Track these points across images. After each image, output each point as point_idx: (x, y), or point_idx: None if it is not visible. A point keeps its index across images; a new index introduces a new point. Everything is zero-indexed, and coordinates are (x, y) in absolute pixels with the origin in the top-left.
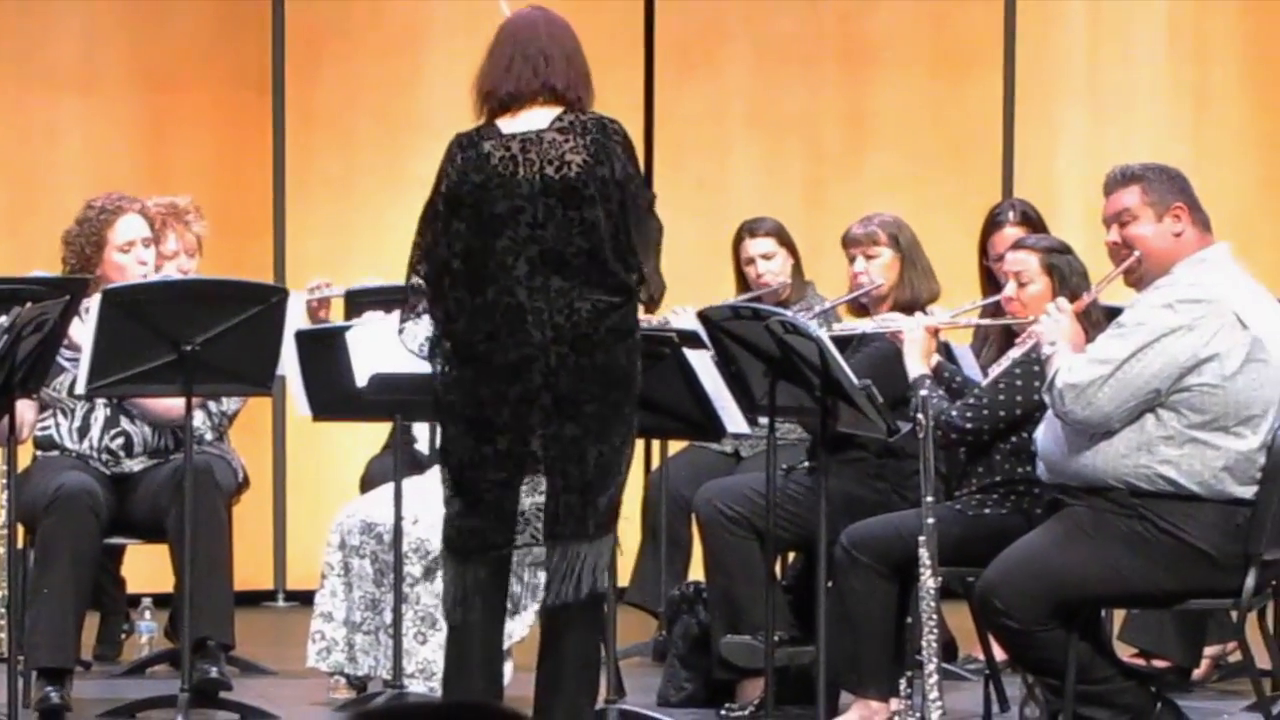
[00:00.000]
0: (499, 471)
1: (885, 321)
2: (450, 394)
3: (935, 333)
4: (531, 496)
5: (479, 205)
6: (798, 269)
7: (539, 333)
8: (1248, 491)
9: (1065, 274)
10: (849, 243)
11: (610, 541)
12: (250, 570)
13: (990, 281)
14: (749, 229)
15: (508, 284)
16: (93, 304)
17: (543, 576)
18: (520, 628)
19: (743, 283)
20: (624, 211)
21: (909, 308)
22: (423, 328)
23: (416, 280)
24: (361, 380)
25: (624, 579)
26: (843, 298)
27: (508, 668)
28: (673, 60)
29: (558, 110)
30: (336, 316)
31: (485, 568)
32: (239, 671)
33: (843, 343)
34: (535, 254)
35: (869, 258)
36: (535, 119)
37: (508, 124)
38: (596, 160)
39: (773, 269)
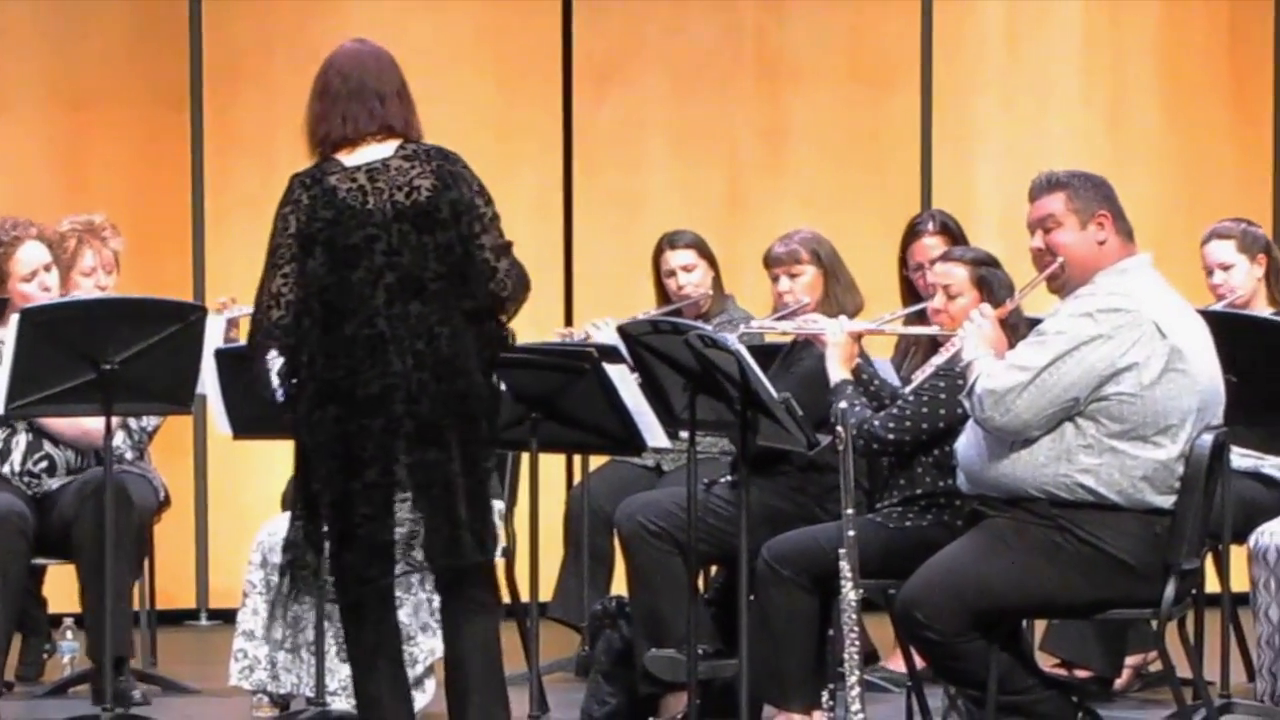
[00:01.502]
0: (368, 505)
1: (808, 323)
2: (316, 435)
3: (857, 338)
4: (405, 525)
5: (332, 240)
6: (718, 281)
7: (400, 361)
8: (1167, 501)
9: (994, 287)
10: (771, 262)
11: (489, 559)
12: (173, 589)
13: (910, 291)
14: (669, 241)
15: (367, 315)
16: (9, 325)
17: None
18: (440, 645)
19: (663, 295)
20: (472, 236)
21: None
22: (274, 369)
23: (270, 324)
24: (282, 397)
25: (546, 594)
26: (768, 317)
27: (429, 685)
28: (591, 75)
29: (398, 141)
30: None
31: (365, 602)
32: (161, 690)
33: (765, 359)
34: (393, 281)
35: (792, 276)
36: (379, 150)
37: (350, 158)
38: (444, 185)
39: (693, 281)
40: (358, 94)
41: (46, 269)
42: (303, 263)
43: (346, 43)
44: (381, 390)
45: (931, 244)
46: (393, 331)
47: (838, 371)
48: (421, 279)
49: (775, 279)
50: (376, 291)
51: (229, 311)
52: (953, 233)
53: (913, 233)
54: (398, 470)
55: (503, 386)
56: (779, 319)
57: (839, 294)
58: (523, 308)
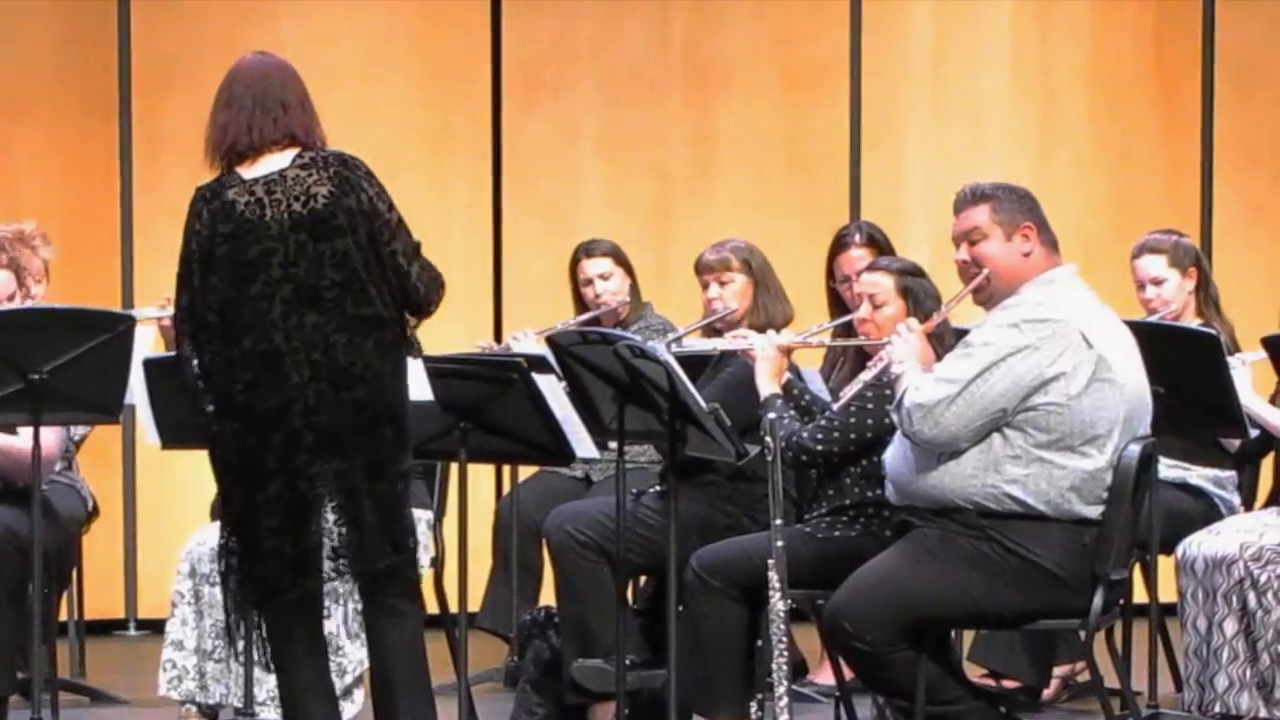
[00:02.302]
0: (272, 518)
1: (737, 338)
2: (219, 447)
3: (787, 352)
4: (330, 535)
5: (231, 255)
6: (635, 289)
7: (296, 374)
8: (1094, 511)
9: (919, 296)
10: (702, 269)
11: (405, 565)
12: (102, 599)
13: (838, 303)
14: (585, 250)
15: (264, 330)
16: None
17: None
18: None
19: (581, 304)
20: (374, 243)
21: (763, 332)
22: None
23: (181, 338)
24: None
25: (475, 604)
26: (697, 323)
27: (358, 695)
28: (520, 84)
29: (297, 150)
30: None
31: (283, 612)
32: (90, 701)
33: (695, 366)
34: (289, 293)
35: (722, 283)
36: (276, 161)
37: (249, 171)
38: (342, 191)
39: (610, 289)
40: (262, 103)
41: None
42: (204, 278)
43: (248, 55)
44: (280, 404)
45: (859, 255)
46: (289, 344)
47: (767, 385)
48: (318, 288)
49: (705, 285)
50: (273, 305)
51: (170, 308)
52: (879, 244)
53: (840, 244)
54: (300, 483)
55: (430, 396)
56: (705, 328)
57: (768, 303)
58: (454, 317)
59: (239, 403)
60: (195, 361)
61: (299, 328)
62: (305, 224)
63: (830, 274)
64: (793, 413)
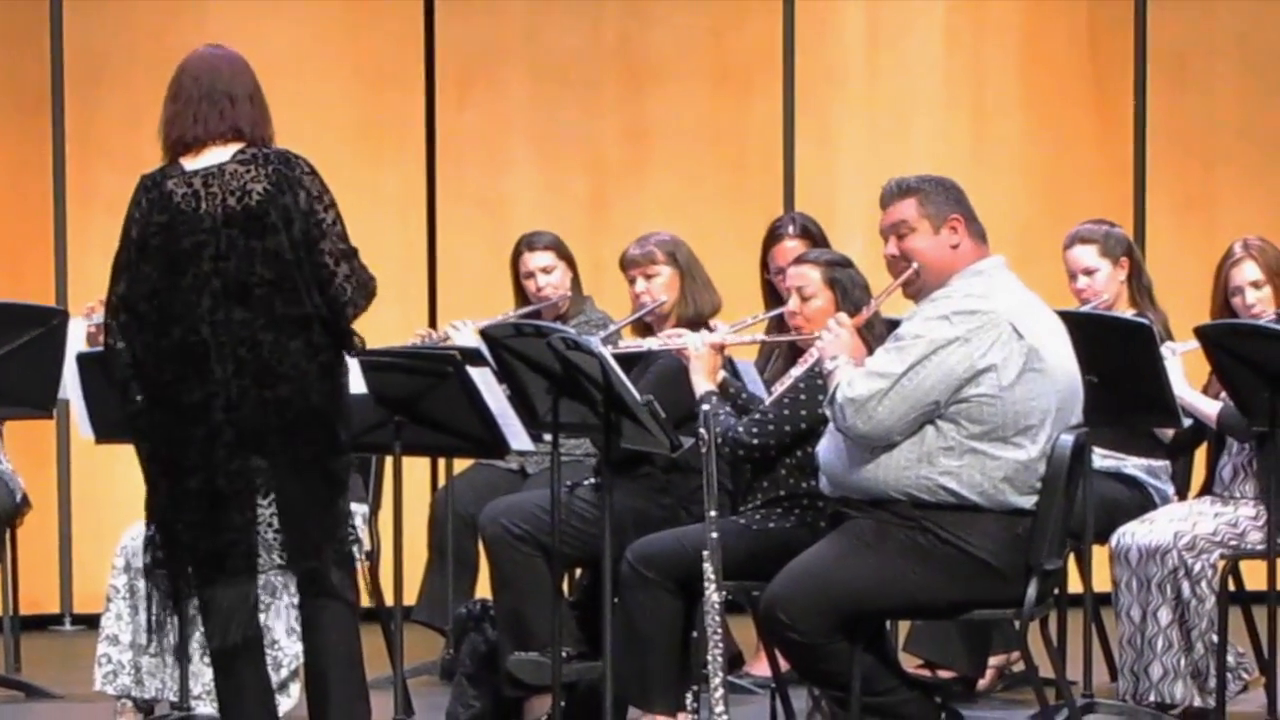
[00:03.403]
0: (192, 512)
1: (670, 339)
2: (146, 437)
3: (720, 349)
4: (237, 532)
5: (165, 245)
6: (576, 282)
7: (220, 368)
8: (1028, 501)
9: (847, 287)
10: (628, 264)
11: (340, 560)
12: (36, 594)
13: (772, 295)
14: (527, 243)
15: (192, 322)
16: None
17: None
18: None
19: (522, 296)
20: (309, 242)
21: (693, 323)
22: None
23: (112, 328)
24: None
25: (411, 598)
26: (626, 319)
27: (294, 689)
28: (453, 77)
29: (241, 145)
30: None
31: (221, 604)
32: (25, 696)
33: (628, 361)
34: (218, 287)
35: (649, 277)
36: (218, 155)
37: (191, 162)
38: (279, 189)
39: (552, 282)
40: (209, 96)
41: None
42: (138, 267)
43: (201, 47)
44: (203, 398)
45: (793, 247)
46: (215, 338)
47: (702, 384)
48: (247, 284)
49: (632, 280)
50: (203, 298)
51: (96, 316)
52: (813, 236)
53: (773, 236)
54: (219, 478)
55: (364, 390)
56: (635, 323)
57: (695, 294)
58: (389, 310)
59: (166, 394)
60: (123, 349)
61: (226, 322)
62: (239, 219)
63: (765, 266)
64: (728, 409)
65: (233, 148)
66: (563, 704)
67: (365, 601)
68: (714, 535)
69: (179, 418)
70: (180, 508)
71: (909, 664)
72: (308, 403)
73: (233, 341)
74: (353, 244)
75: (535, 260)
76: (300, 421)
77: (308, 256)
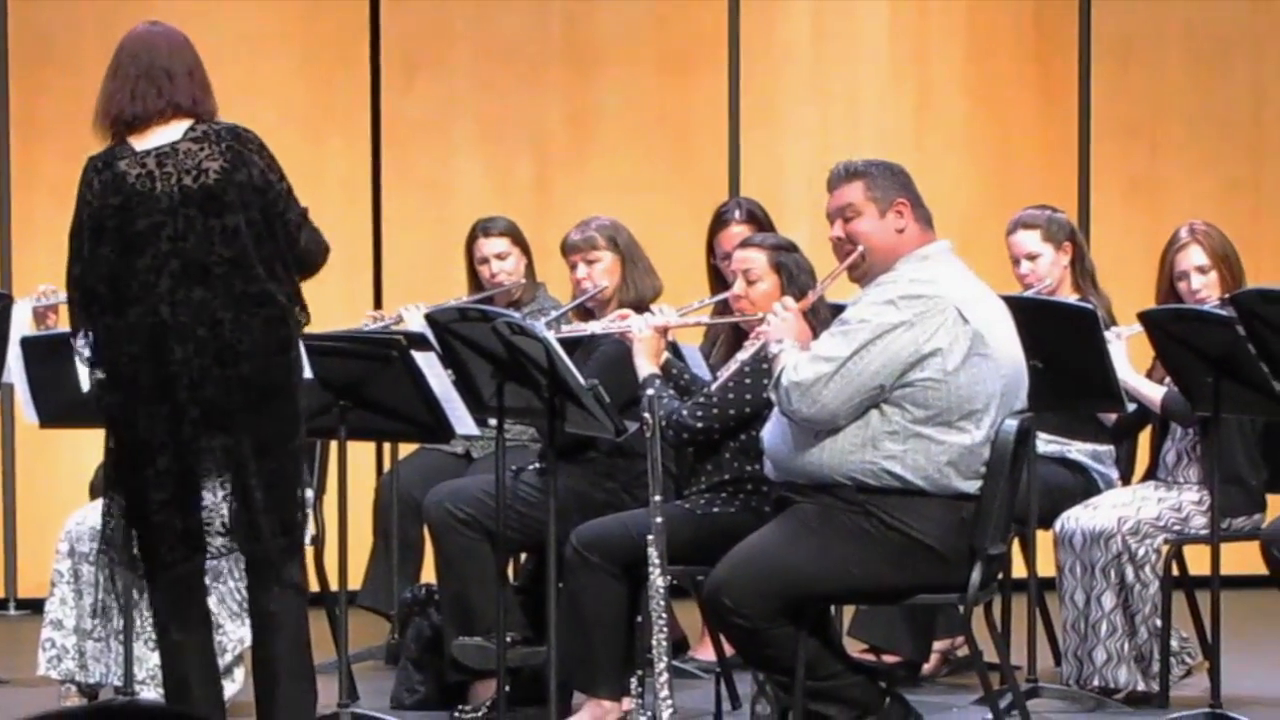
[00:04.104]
0: (160, 491)
1: (613, 323)
2: (110, 417)
3: (664, 332)
4: (216, 511)
5: (121, 227)
6: (530, 269)
7: (181, 348)
8: (972, 486)
9: (792, 271)
10: (569, 249)
11: (294, 544)
12: None
13: (718, 280)
14: (482, 228)
15: (151, 303)
16: None
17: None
18: (249, 634)
19: (475, 283)
20: (266, 219)
21: (635, 307)
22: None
23: (72, 310)
24: (88, 386)
25: (355, 582)
26: (569, 305)
27: (238, 673)
28: (399, 63)
29: (189, 122)
30: (64, 324)
31: (172, 585)
32: None
33: (572, 345)
34: (177, 267)
35: (589, 262)
36: (168, 133)
37: (140, 142)
38: (234, 166)
39: (506, 269)
40: (147, 73)
41: None
42: (93, 248)
43: (139, 25)
44: (165, 378)
45: (739, 232)
46: (175, 318)
47: (645, 366)
48: (206, 264)
49: (573, 266)
50: (161, 278)
51: (44, 299)
52: (759, 220)
53: (720, 221)
54: (189, 456)
55: (309, 374)
56: (578, 309)
57: (636, 279)
58: (334, 295)
59: (126, 375)
60: (86, 332)
61: (186, 302)
62: (195, 198)
63: (711, 251)
64: (672, 392)
65: (181, 125)
66: (507, 688)
67: (311, 586)
68: (658, 520)
69: (141, 398)
70: (150, 488)
71: (853, 648)
72: (269, 380)
73: (193, 321)
74: (304, 205)
75: (490, 246)
76: (264, 399)
77: (268, 231)
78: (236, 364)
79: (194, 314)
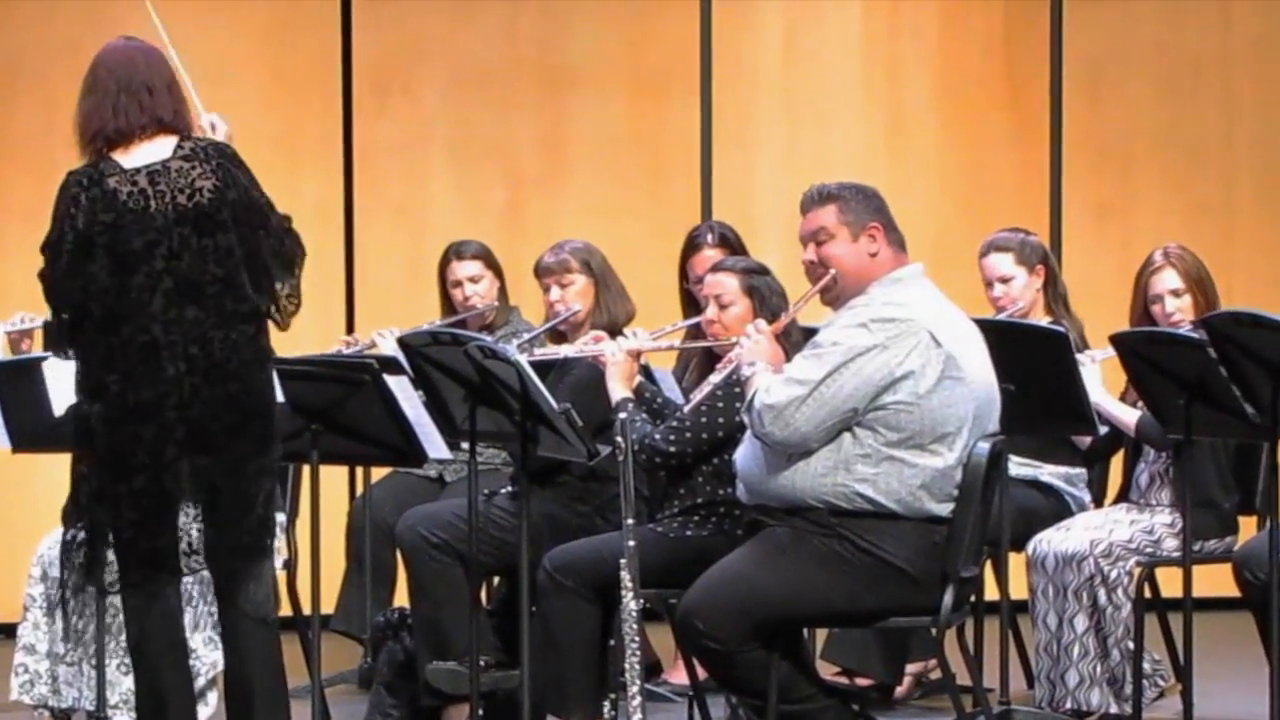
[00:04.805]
0: (134, 511)
1: (586, 346)
2: (90, 436)
3: (637, 355)
4: (188, 532)
5: (113, 245)
6: (503, 292)
7: (172, 367)
8: (944, 509)
9: (764, 295)
10: (542, 272)
11: (266, 565)
12: None
13: (691, 304)
14: (455, 252)
15: (143, 321)
16: None
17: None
18: (222, 658)
19: (448, 306)
20: (255, 235)
21: (608, 329)
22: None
23: (56, 327)
24: (60, 410)
25: (328, 606)
26: (542, 327)
27: (211, 697)
28: (371, 86)
29: (174, 139)
30: (38, 348)
31: (143, 606)
32: None
33: (544, 369)
34: (170, 286)
35: (563, 285)
36: (156, 150)
37: (127, 159)
38: (225, 185)
39: (479, 292)
40: (127, 87)
41: None
42: (81, 265)
43: (113, 40)
44: (154, 397)
45: (711, 256)
46: (167, 337)
47: (618, 390)
48: (199, 283)
49: (546, 289)
50: (154, 297)
51: (20, 325)
52: (732, 244)
53: (692, 245)
54: (166, 477)
55: (281, 398)
56: (551, 332)
57: (610, 302)
58: (307, 320)
59: (113, 393)
60: (68, 352)
61: (178, 321)
62: (190, 217)
63: (684, 275)
64: (645, 416)
65: (167, 141)
66: (480, 713)
67: (283, 610)
68: (631, 543)
69: (126, 417)
70: (123, 506)
71: (826, 671)
72: (252, 399)
73: (184, 340)
74: (282, 212)
75: (463, 269)
76: (248, 416)
77: (256, 248)
78: (225, 383)
79: (185, 333)
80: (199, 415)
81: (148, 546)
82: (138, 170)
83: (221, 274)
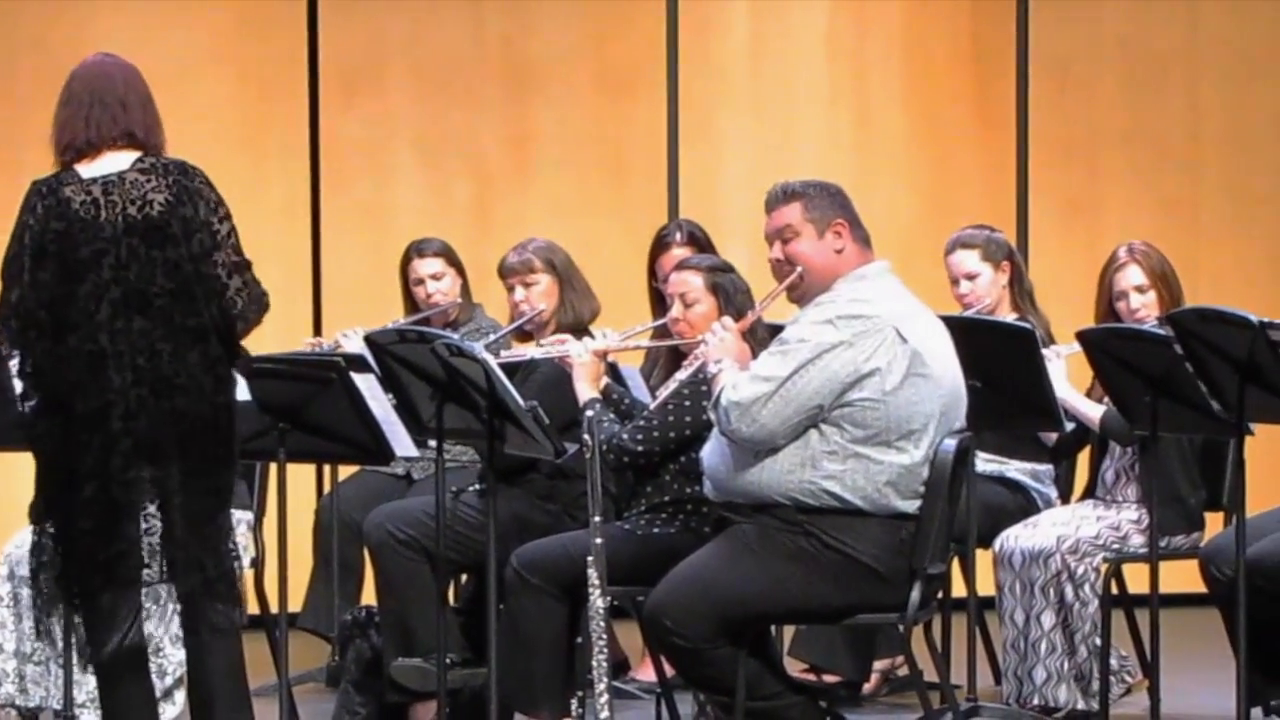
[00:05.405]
0: (86, 519)
1: (553, 347)
2: (40, 444)
3: (603, 356)
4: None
5: (62, 253)
6: (466, 289)
7: (119, 377)
8: (911, 506)
9: (730, 293)
10: (506, 272)
11: (222, 573)
12: None
13: (660, 302)
14: (417, 249)
15: (90, 330)
16: None
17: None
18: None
19: (411, 304)
20: (203, 253)
21: (573, 329)
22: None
23: (7, 334)
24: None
25: (296, 604)
26: (508, 328)
27: (179, 696)
28: (337, 84)
29: (137, 154)
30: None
31: (102, 614)
32: None
33: (511, 368)
34: (118, 296)
35: (527, 285)
36: (116, 162)
37: (87, 169)
38: (179, 200)
39: (442, 289)
40: (101, 101)
41: None
42: (33, 273)
43: (92, 55)
44: (100, 406)
45: (680, 254)
46: (114, 347)
47: (586, 391)
48: (147, 294)
49: (511, 288)
50: (101, 306)
51: None
52: (700, 242)
53: (660, 244)
54: (114, 487)
55: (248, 397)
56: (516, 331)
57: (574, 301)
58: (273, 318)
59: (62, 401)
60: (19, 357)
61: (125, 331)
62: (139, 229)
63: (652, 273)
64: (612, 416)
65: (130, 155)
66: (448, 710)
67: (251, 609)
68: (598, 541)
69: (75, 425)
70: (76, 515)
71: (794, 668)
72: (202, 414)
73: (131, 351)
74: (246, 257)
75: (425, 267)
76: (195, 432)
77: (202, 268)
78: (172, 396)
79: (133, 344)
80: (145, 427)
81: (102, 555)
82: (94, 180)
83: (171, 287)
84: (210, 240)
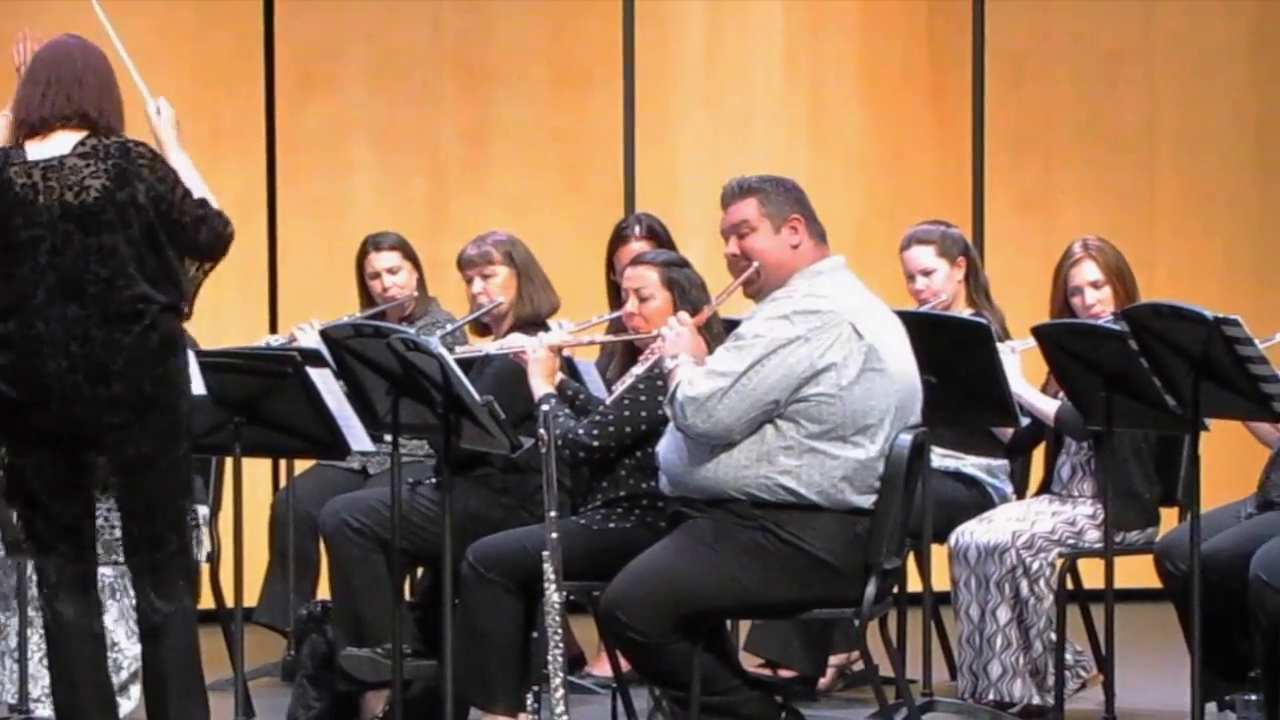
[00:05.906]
0: (42, 482)
1: (508, 343)
2: None
3: (558, 351)
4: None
5: (3, 235)
6: (421, 283)
7: (54, 363)
8: (867, 501)
9: (685, 287)
10: (465, 264)
11: (178, 561)
12: None
13: (617, 296)
14: (373, 243)
15: (26, 315)
16: None
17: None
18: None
19: (367, 298)
20: (150, 234)
21: (531, 322)
22: None
23: None
24: None
25: (251, 599)
26: (464, 319)
27: (134, 690)
28: (293, 77)
29: (83, 134)
30: None
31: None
32: None
33: (467, 361)
34: (54, 282)
35: (486, 277)
36: (60, 144)
37: (34, 149)
38: (117, 185)
39: (398, 283)
40: (59, 79)
41: None
42: None
43: (59, 35)
44: (39, 390)
45: (638, 248)
46: (49, 332)
47: (541, 386)
48: (81, 281)
49: (469, 280)
50: (38, 291)
51: None
52: (659, 237)
53: (619, 237)
54: (60, 466)
55: (203, 391)
56: (474, 324)
57: (533, 294)
58: (230, 313)
59: (8, 379)
60: None
61: (60, 317)
62: (74, 215)
63: (611, 267)
64: (568, 411)
65: (76, 136)
66: (402, 704)
67: (206, 603)
68: (554, 535)
69: (14, 410)
70: (31, 477)
71: (749, 663)
72: (144, 397)
73: (66, 336)
74: (201, 196)
75: (381, 261)
76: (138, 417)
77: (153, 245)
78: (108, 383)
79: (67, 329)
80: (83, 414)
81: (67, 520)
82: (35, 164)
83: (105, 274)
84: (174, 209)
